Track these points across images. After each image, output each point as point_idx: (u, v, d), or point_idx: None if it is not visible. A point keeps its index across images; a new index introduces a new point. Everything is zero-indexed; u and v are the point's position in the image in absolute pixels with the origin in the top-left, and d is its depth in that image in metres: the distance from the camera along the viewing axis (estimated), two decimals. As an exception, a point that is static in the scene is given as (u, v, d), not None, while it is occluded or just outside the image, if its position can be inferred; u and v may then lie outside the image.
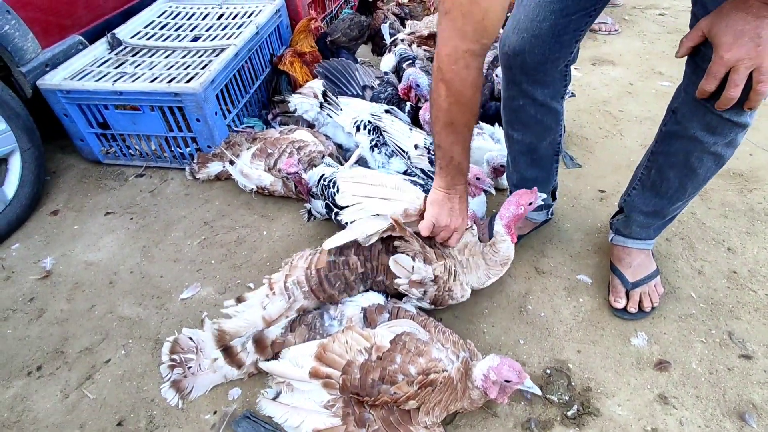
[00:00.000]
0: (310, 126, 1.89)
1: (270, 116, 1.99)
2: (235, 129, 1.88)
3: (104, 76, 1.80)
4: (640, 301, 1.23)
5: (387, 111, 1.67)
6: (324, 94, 1.72)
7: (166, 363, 1.13)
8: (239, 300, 1.17)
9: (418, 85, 1.80)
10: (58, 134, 1.88)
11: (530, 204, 1.12)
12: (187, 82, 1.70)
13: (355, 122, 1.66)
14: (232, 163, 1.70)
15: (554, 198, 1.42)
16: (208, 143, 1.76)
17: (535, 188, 1.12)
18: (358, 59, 2.46)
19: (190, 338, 1.15)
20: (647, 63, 2.33)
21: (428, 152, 1.50)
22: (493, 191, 1.37)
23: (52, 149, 2.02)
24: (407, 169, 1.52)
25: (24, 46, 1.67)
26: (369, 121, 1.65)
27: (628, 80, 2.22)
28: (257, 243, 1.52)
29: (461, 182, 1.07)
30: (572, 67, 1.20)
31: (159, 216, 1.67)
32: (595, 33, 2.64)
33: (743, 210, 1.51)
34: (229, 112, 1.84)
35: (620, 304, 1.23)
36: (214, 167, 1.76)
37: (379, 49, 2.54)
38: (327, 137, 1.74)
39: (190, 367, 1.11)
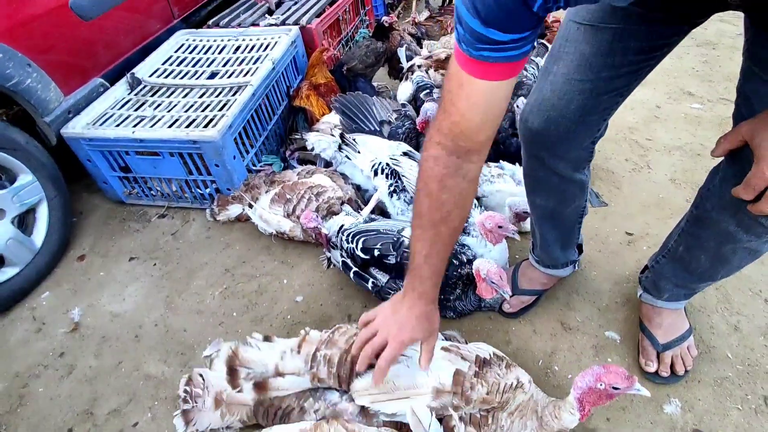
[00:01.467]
0: (328, 164, 1.88)
1: (287, 152, 1.98)
2: (254, 168, 1.88)
3: (125, 119, 1.82)
4: (672, 365, 1.18)
5: (405, 153, 1.65)
6: (341, 136, 1.70)
7: (181, 396, 1.12)
8: (266, 339, 1.16)
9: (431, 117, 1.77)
10: (83, 174, 1.92)
11: (616, 389, 0.85)
12: (205, 127, 1.71)
13: (374, 165, 1.63)
14: (251, 206, 1.70)
15: (580, 252, 1.38)
16: (227, 186, 1.77)
17: (633, 377, 0.86)
18: (375, 83, 2.43)
19: (201, 375, 1.14)
20: (675, 82, 2.24)
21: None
22: (517, 237, 1.33)
23: (78, 189, 2.06)
24: (427, 218, 1.49)
25: (47, 97, 1.70)
26: (387, 164, 1.63)
27: (654, 102, 2.13)
28: (278, 293, 1.52)
29: (418, 292, 0.90)
30: None
31: (181, 262, 1.69)
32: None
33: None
34: (247, 152, 1.84)
35: (651, 367, 1.18)
36: (234, 210, 1.76)
37: (396, 72, 2.50)
38: (345, 178, 1.72)
39: (196, 404, 1.11)
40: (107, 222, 1.92)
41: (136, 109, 1.89)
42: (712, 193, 0.90)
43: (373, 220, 1.47)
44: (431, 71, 2.32)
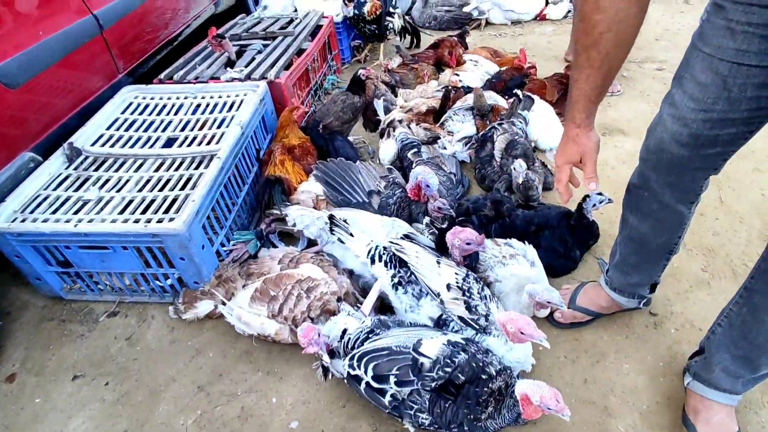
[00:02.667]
0: (312, 243, 1.65)
1: (264, 226, 1.72)
2: (225, 249, 1.61)
3: (63, 203, 1.51)
4: None
5: (407, 236, 1.45)
6: (330, 217, 1.49)
7: None
8: None
9: (428, 186, 1.60)
10: (9, 264, 1.57)
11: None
12: (166, 210, 1.45)
13: (370, 251, 1.43)
14: (224, 303, 1.44)
15: (652, 291, 1.32)
16: (194, 279, 1.50)
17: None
18: (351, 138, 2.24)
19: None
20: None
21: (463, 294, 1.28)
22: (546, 344, 1.15)
23: (3, 282, 1.70)
24: (441, 314, 1.30)
25: (-41, 185, 1.37)
26: (385, 249, 1.43)
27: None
28: (267, 418, 1.26)
29: (569, 118, 0.98)
30: None
31: (141, 379, 1.39)
32: (597, 95, 2.51)
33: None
34: (216, 234, 1.58)
35: None
36: (204, 306, 1.49)
37: (372, 125, 2.32)
38: (335, 265, 1.50)
39: None
40: (42, 325, 1.58)
41: (76, 189, 1.58)
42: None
43: (380, 323, 1.25)
44: (413, 125, 2.16)
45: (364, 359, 1.12)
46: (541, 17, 3.47)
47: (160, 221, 1.39)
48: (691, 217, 1.11)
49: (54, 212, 1.48)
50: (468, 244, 1.32)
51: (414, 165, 1.82)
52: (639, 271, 1.26)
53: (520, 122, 2.06)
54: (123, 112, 1.92)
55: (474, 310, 1.27)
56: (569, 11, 3.43)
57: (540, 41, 3.21)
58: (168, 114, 1.92)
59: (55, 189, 1.57)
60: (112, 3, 1.96)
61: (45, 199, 1.53)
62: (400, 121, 2.11)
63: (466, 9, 3.37)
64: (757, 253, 1.51)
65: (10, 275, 1.72)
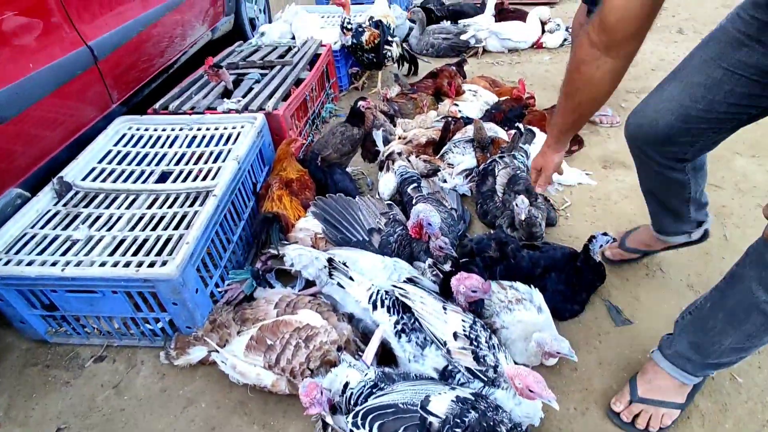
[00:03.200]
0: (310, 284, 1.59)
1: (259, 264, 1.66)
2: (219, 291, 1.55)
3: (50, 243, 1.45)
4: (638, 415, 1.22)
5: (410, 279, 1.40)
6: (329, 261, 1.43)
7: None
8: None
9: (429, 224, 1.56)
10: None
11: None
12: (159, 252, 1.39)
13: (371, 296, 1.37)
14: (218, 351, 1.37)
15: (699, 225, 1.43)
16: (187, 324, 1.43)
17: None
18: (349, 169, 2.21)
19: None
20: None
21: (471, 343, 1.23)
22: (555, 405, 1.09)
23: (-17, 323, 1.62)
24: (447, 365, 1.24)
25: (-60, 227, 1.31)
26: (387, 292, 1.37)
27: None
28: (263, 478, 1.19)
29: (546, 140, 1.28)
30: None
31: (128, 432, 1.31)
32: (597, 126, 2.51)
33: (827, 380, 1.32)
34: (211, 276, 1.52)
35: (617, 407, 1.24)
36: (196, 353, 1.42)
37: (371, 156, 2.29)
38: (335, 310, 1.44)
39: None
40: (26, 370, 1.50)
41: (65, 227, 1.52)
42: (753, 246, 0.98)
43: (385, 376, 1.19)
44: (413, 158, 2.13)
45: (369, 417, 1.06)
46: (538, 45, 3.49)
47: (152, 265, 1.33)
48: (690, 178, 1.25)
49: (41, 253, 1.41)
50: (473, 291, 1.27)
51: (414, 201, 1.78)
52: (667, 215, 1.41)
53: (522, 156, 2.03)
54: (116, 144, 1.87)
55: (482, 360, 1.21)
56: (565, 39, 3.45)
57: (537, 69, 3.22)
58: (163, 146, 1.87)
59: (42, 227, 1.51)
60: (108, 33, 1.92)
61: (32, 238, 1.47)
62: (399, 154, 2.08)
63: (463, 37, 3.39)
64: None
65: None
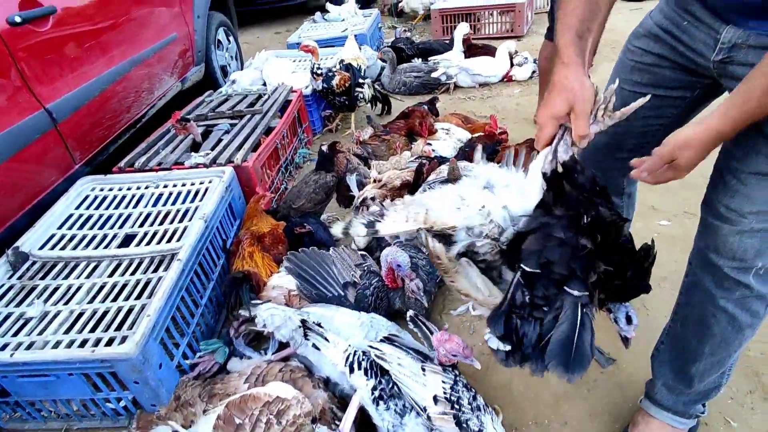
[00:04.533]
0: (284, 345, 1.51)
1: (232, 332, 1.57)
2: (191, 361, 1.46)
3: (3, 322, 1.36)
4: None
5: (387, 339, 1.34)
6: (303, 322, 1.36)
7: None
8: None
9: (399, 266, 1.53)
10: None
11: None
12: (119, 326, 1.31)
13: (348, 357, 1.29)
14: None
15: None
16: (152, 402, 1.33)
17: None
18: (325, 215, 2.16)
19: None
20: (638, 196, 2.19)
21: (452, 406, 1.16)
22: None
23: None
24: (429, 434, 1.16)
25: None
26: (364, 353, 1.30)
27: (623, 221, 2.05)
28: None
29: (556, 62, 0.87)
30: None
31: None
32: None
33: (823, 418, 1.28)
34: (177, 346, 1.43)
35: None
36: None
37: (346, 201, 2.25)
38: (309, 375, 1.36)
39: None
40: (-24, 464, 1.38)
41: (19, 303, 1.43)
42: (694, 253, 1.03)
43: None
44: (387, 202, 2.09)
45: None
46: (507, 79, 3.55)
47: (110, 342, 1.25)
48: (627, 208, 1.43)
49: (-11, 342, 1.32)
50: (453, 355, 1.21)
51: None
52: None
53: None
54: (78, 207, 1.80)
55: (465, 425, 1.14)
56: (534, 71, 3.52)
57: (508, 103, 3.26)
58: (127, 207, 1.81)
59: (-7, 305, 1.42)
60: (68, 95, 1.88)
61: (-19, 318, 1.37)
62: (373, 199, 2.04)
63: (434, 74, 3.43)
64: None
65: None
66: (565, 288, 0.77)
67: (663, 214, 2.08)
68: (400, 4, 5.27)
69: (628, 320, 0.90)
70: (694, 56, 0.98)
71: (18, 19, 1.67)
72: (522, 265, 0.79)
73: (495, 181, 1.02)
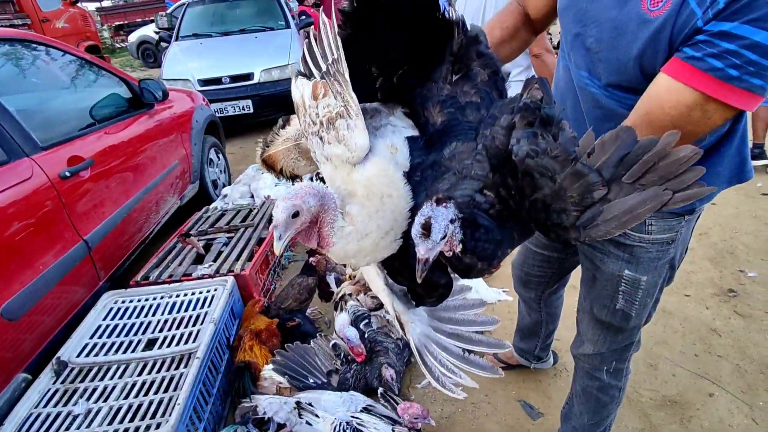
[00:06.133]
0: (282, 426, 1.87)
1: (239, 418, 1.93)
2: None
3: (54, 420, 1.68)
4: None
5: (365, 409, 1.73)
6: (297, 404, 1.75)
7: None
8: None
9: (349, 339, 2.00)
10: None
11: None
12: (153, 416, 1.66)
13: (335, 428, 1.68)
14: (207, 498, 1.59)
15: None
16: (178, 478, 1.65)
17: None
18: (309, 309, 2.58)
19: None
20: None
21: (415, 458, 1.55)
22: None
23: None
24: (399, 483, 1.53)
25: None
26: (348, 422, 1.69)
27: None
28: None
29: None
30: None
31: None
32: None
33: (693, 447, 1.71)
34: (197, 429, 1.78)
35: None
36: (187, 504, 1.62)
37: (326, 296, 2.69)
38: (305, 443, 1.72)
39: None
40: None
41: (65, 404, 1.76)
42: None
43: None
44: (361, 296, 2.55)
45: None
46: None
47: (148, 428, 1.60)
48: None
49: (47, 431, 1.64)
50: (415, 418, 1.62)
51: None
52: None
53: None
54: (105, 318, 2.18)
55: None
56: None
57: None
58: (147, 315, 2.20)
59: (45, 406, 1.74)
60: (99, 225, 2.33)
61: (37, 417, 1.70)
62: (350, 295, 2.50)
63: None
64: (644, 379, 1.92)
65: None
66: None
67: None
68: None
69: (425, 229, 0.70)
70: None
71: (68, 174, 2.17)
72: None
73: None
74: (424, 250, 0.67)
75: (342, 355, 2.07)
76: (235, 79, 5.64)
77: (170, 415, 1.62)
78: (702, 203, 1.07)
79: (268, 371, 2.04)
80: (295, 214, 0.75)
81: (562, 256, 1.51)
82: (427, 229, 0.66)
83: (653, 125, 0.81)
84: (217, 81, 5.62)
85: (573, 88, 1.06)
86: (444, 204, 0.66)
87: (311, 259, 2.53)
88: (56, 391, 1.82)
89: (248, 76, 5.64)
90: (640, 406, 1.87)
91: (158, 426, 1.60)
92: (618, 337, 1.29)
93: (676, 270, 1.20)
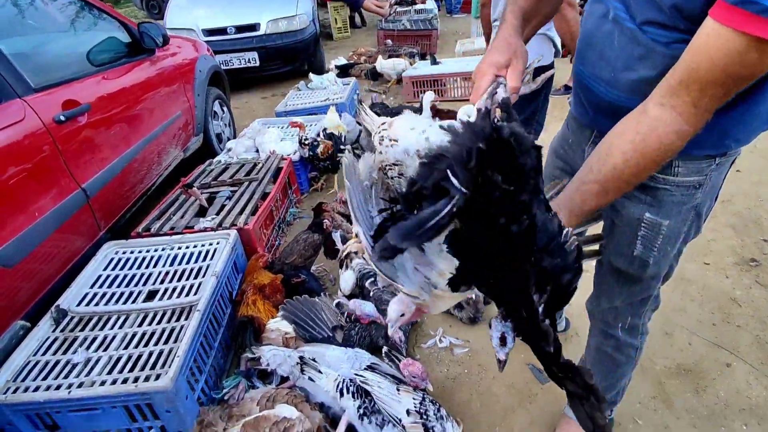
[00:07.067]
0: (285, 379, 1.84)
1: (243, 368, 1.90)
2: (226, 392, 1.77)
3: (52, 368, 1.65)
4: None
5: (370, 367, 1.68)
6: (301, 359, 1.71)
7: None
8: None
9: (367, 315, 1.96)
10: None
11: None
12: (153, 366, 1.62)
13: (338, 384, 1.64)
14: (208, 448, 1.57)
15: None
16: (178, 429, 1.63)
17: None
18: (314, 267, 2.52)
19: None
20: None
21: (421, 417, 1.50)
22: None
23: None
24: (403, 441, 1.50)
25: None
26: (351, 380, 1.64)
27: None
28: None
29: (500, 29, 0.97)
30: None
31: None
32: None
33: (706, 415, 1.65)
34: (197, 382, 1.75)
35: None
36: (187, 454, 1.61)
37: (332, 253, 2.62)
38: (307, 400, 1.69)
39: None
40: (24, 492, 1.63)
41: (65, 352, 1.73)
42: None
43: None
44: (367, 255, 2.48)
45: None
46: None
47: (147, 379, 1.56)
48: None
49: (45, 378, 1.61)
50: (414, 377, 1.57)
51: (372, 294, 2.11)
52: None
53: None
54: (105, 269, 2.13)
55: (432, 431, 1.48)
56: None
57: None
58: (148, 267, 2.15)
59: (44, 354, 1.72)
60: (98, 174, 2.25)
61: (35, 365, 1.67)
62: (356, 253, 2.42)
63: (405, 137, 3.91)
64: (659, 347, 1.86)
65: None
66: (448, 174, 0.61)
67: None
68: (377, 67, 5.85)
69: (502, 341, 0.86)
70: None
71: (62, 118, 2.06)
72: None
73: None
74: (504, 355, 0.87)
75: (347, 314, 2.02)
76: (240, 29, 5.41)
77: (170, 366, 1.58)
78: (738, 145, 0.96)
79: (274, 323, 2.00)
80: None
81: None
82: (503, 340, 0.86)
83: (702, 81, 0.73)
84: (222, 31, 5.40)
85: (606, 27, 0.96)
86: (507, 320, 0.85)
87: (325, 222, 2.45)
88: (55, 339, 1.79)
89: (254, 27, 5.41)
90: (654, 373, 1.81)
91: (158, 377, 1.56)
92: (635, 288, 1.20)
93: (703, 221, 1.10)
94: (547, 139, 1.41)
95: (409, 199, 0.65)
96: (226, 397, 1.77)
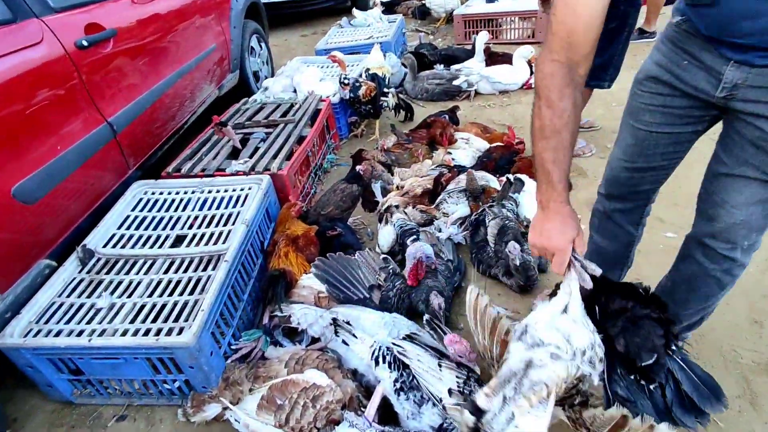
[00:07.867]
0: (316, 339, 1.70)
1: (267, 321, 1.78)
2: (232, 348, 1.66)
3: (76, 312, 1.58)
4: None
5: (408, 337, 1.51)
6: (334, 321, 1.55)
7: None
8: None
9: (428, 257, 1.79)
10: (16, 369, 1.60)
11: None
12: (177, 317, 1.51)
13: (374, 352, 1.48)
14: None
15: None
16: (203, 384, 1.54)
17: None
18: (351, 219, 2.34)
19: None
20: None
21: (465, 399, 1.33)
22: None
23: (11, 386, 1.73)
24: (443, 423, 1.33)
25: (-23, 305, 1.44)
26: (388, 349, 1.48)
27: (632, 232, 2.17)
28: None
29: (555, 199, 1.02)
30: None
31: (150, 492, 1.40)
32: (581, 158, 2.65)
33: None
34: (223, 335, 1.63)
35: None
36: (212, 410, 1.52)
37: (371, 205, 2.43)
38: (339, 367, 1.54)
39: None
40: None
41: (89, 295, 1.65)
42: (691, 235, 1.30)
43: (383, 434, 1.29)
44: (409, 209, 2.26)
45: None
46: (527, 86, 3.66)
47: (170, 332, 1.45)
48: (639, 236, 1.54)
49: (68, 322, 1.54)
50: (460, 356, 1.38)
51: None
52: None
53: (511, 204, 2.16)
54: (133, 209, 2.02)
55: (475, 415, 1.31)
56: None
57: (527, 111, 3.34)
58: (176, 210, 2.02)
59: (69, 296, 1.64)
60: (125, 108, 2.09)
61: (60, 307, 1.60)
62: (397, 207, 2.21)
63: (455, 82, 3.56)
64: (746, 338, 1.59)
65: (16, 379, 1.75)
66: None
67: (669, 227, 2.19)
68: (426, 3, 5.37)
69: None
70: (696, 93, 1.10)
71: (85, 43, 1.88)
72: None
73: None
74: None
75: (389, 270, 1.83)
76: (281, -43, 5.02)
77: (194, 320, 1.46)
78: None
79: (306, 279, 1.85)
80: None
81: (701, 128, 1.21)
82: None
83: None
84: (262, -41, 5.02)
85: None
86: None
87: (358, 167, 2.22)
88: (81, 280, 1.71)
89: (296, -45, 5.00)
90: (740, 369, 1.55)
91: (180, 331, 1.45)
92: None
93: None
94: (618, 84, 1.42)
95: None
96: (237, 353, 1.64)
